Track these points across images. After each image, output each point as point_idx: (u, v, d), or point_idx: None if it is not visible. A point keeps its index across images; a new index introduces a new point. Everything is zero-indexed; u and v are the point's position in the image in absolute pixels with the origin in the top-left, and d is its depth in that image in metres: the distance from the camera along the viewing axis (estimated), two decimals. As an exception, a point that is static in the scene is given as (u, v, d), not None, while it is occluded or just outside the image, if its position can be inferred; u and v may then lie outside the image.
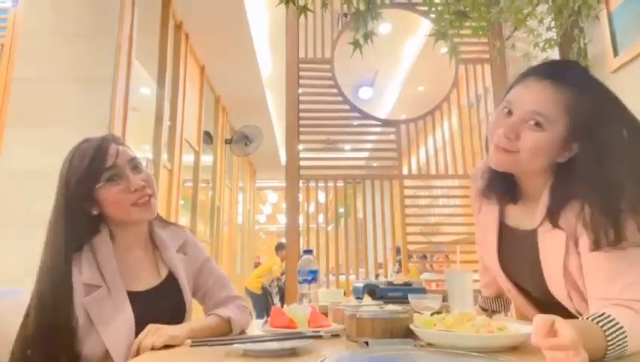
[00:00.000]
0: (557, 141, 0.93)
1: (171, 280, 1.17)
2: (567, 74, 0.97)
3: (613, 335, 0.74)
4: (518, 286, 1.13)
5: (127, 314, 1.04)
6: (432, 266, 4.42)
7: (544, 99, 0.93)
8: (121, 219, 1.13)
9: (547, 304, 1.05)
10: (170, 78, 3.91)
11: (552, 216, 0.96)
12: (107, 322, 1.02)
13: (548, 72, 0.97)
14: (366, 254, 3.00)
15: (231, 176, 6.72)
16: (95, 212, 1.11)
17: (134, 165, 1.13)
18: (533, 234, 1.02)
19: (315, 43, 3.03)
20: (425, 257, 3.81)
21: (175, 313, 1.15)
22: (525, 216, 1.06)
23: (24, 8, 2.88)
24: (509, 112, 0.97)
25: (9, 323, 1.09)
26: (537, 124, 0.92)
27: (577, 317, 0.90)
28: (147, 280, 1.15)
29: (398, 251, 3.23)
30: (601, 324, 0.75)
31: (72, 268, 1.05)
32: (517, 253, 1.08)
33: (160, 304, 1.12)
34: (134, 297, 1.08)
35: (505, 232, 1.11)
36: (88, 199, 1.09)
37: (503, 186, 1.08)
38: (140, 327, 1.02)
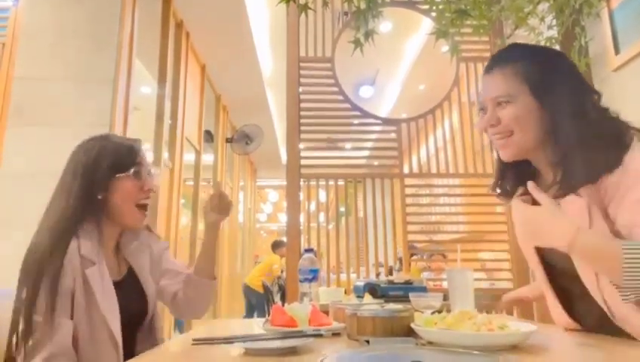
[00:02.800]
0: (530, 107, 1.02)
1: (132, 274, 1.25)
2: (507, 54, 1.10)
3: (633, 256, 0.80)
4: (553, 269, 1.11)
5: (113, 291, 1.13)
6: (429, 266, 4.42)
7: (496, 82, 1.06)
8: (119, 213, 1.20)
9: (577, 294, 1.04)
10: (170, 77, 3.90)
11: (564, 184, 0.97)
12: (104, 296, 1.10)
13: (492, 62, 1.10)
14: (366, 253, 3.00)
15: (232, 174, 6.72)
16: (100, 196, 1.18)
17: (150, 171, 1.26)
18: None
19: (315, 41, 3.03)
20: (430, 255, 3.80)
21: (137, 303, 1.22)
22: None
23: (25, 7, 2.88)
24: (483, 110, 1.08)
25: (8, 323, 1.09)
26: (507, 102, 1.03)
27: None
28: (111, 275, 1.20)
29: (400, 261, 3.22)
30: (624, 245, 0.82)
31: (72, 242, 1.12)
32: None
33: (126, 296, 1.18)
34: None
35: None
36: (104, 183, 1.18)
37: (520, 178, 1.12)
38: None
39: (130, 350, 1.18)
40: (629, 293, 0.85)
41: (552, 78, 1.02)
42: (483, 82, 1.10)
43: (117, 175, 1.19)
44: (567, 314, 1.08)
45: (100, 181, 1.18)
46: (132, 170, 1.21)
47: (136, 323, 1.22)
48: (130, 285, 1.23)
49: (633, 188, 0.88)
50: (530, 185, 0.96)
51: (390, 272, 3.63)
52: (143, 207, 1.24)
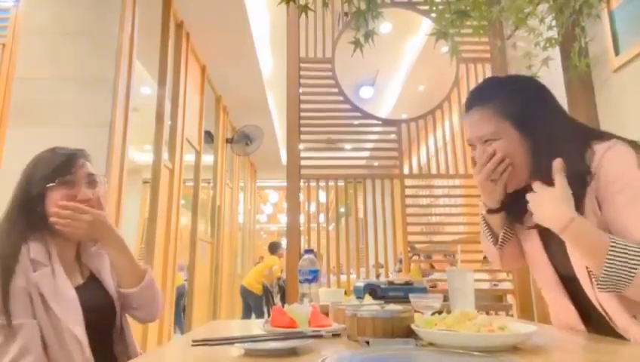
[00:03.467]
0: (515, 139, 1.08)
1: (94, 279, 1.25)
2: (482, 94, 1.17)
3: (618, 251, 0.87)
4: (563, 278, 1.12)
5: (72, 294, 1.12)
6: (433, 266, 4.42)
7: (478, 123, 1.12)
8: (56, 227, 1.17)
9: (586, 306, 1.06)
10: (171, 78, 3.91)
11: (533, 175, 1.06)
12: (57, 299, 1.09)
13: (470, 102, 1.17)
14: (367, 254, 2.99)
15: (232, 175, 6.72)
16: (39, 209, 1.18)
17: (91, 180, 1.23)
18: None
19: (315, 42, 3.03)
20: (430, 257, 3.79)
21: (107, 304, 1.22)
22: None
23: (25, 8, 2.88)
24: (472, 146, 1.16)
25: None
26: (488, 140, 1.10)
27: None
28: (72, 280, 1.19)
29: (400, 261, 3.22)
30: (612, 240, 0.89)
31: (22, 248, 1.12)
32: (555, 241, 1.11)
33: (92, 297, 1.18)
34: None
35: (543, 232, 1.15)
36: (39, 195, 1.18)
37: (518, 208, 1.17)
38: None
39: (108, 350, 1.21)
40: (605, 284, 0.90)
41: (528, 107, 1.10)
42: (465, 121, 1.17)
43: (47, 185, 1.18)
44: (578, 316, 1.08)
45: (35, 193, 1.18)
46: (64, 179, 1.18)
47: (109, 324, 1.23)
48: (94, 287, 1.23)
49: (617, 189, 0.96)
50: (557, 162, 0.99)
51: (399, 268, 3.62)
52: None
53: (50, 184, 1.17)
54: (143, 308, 1.26)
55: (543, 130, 1.07)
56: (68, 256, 1.23)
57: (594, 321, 1.05)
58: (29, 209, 1.17)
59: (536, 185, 1.03)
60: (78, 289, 1.17)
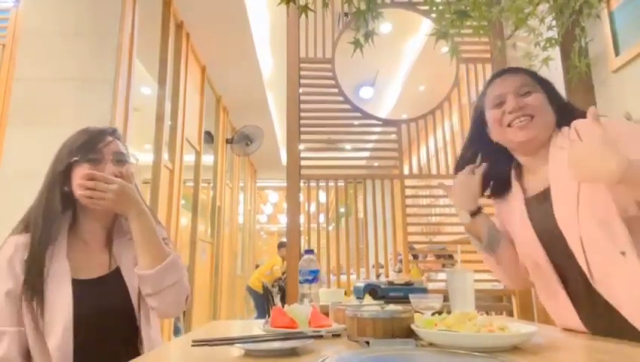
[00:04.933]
0: (545, 101, 1.17)
1: (118, 274, 1.18)
2: (514, 69, 1.26)
3: None
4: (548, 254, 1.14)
5: (65, 302, 1.06)
6: (443, 266, 4.39)
7: (520, 77, 1.20)
8: (81, 201, 1.15)
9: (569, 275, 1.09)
10: (171, 78, 3.91)
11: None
12: (46, 306, 1.05)
13: (507, 70, 1.26)
14: (367, 254, 2.99)
15: (232, 175, 6.72)
16: (66, 188, 1.15)
17: (118, 159, 1.19)
18: (547, 191, 1.13)
19: (315, 43, 3.03)
20: (440, 257, 3.76)
21: (120, 303, 1.15)
22: (539, 180, 1.17)
23: (25, 8, 2.88)
24: (501, 103, 1.19)
25: None
26: (528, 92, 1.17)
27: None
28: (95, 269, 1.16)
29: (400, 261, 3.21)
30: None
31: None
32: (537, 218, 1.16)
33: (104, 293, 1.13)
34: (78, 285, 1.10)
35: (530, 205, 1.19)
36: (65, 174, 1.15)
37: (502, 174, 1.27)
38: (81, 318, 1.05)
39: (134, 347, 1.14)
40: None
41: (553, 88, 1.22)
42: (497, 83, 1.22)
43: (72, 160, 1.15)
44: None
45: (60, 170, 1.15)
46: (88, 156, 1.15)
47: (123, 326, 1.14)
48: (115, 282, 1.16)
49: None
50: (593, 109, 0.96)
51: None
52: None
53: (74, 159, 1.14)
54: (160, 296, 1.12)
55: (563, 101, 1.21)
56: (97, 239, 1.19)
57: (585, 303, 1.06)
58: (57, 187, 1.15)
59: (569, 138, 1.07)
60: (97, 280, 1.14)
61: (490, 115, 1.21)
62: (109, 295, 1.14)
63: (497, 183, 1.29)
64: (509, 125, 1.16)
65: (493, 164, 1.27)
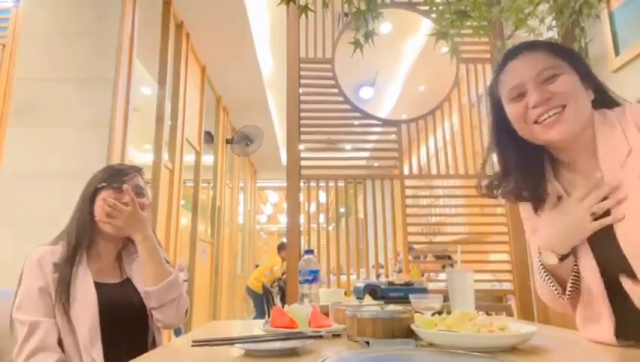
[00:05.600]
0: (576, 80, 0.96)
1: (129, 282, 1.36)
2: (531, 44, 1.02)
3: None
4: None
5: (91, 297, 1.22)
6: (443, 267, 4.40)
7: (540, 57, 0.98)
8: (99, 225, 1.32)
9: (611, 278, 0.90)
10: (171, 78, 3.91)
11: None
12: (74, 301, 1.21)
13: (518, 49, 1.02)
14: (367, 254, 2.99)
15: (232, 175, 6.72)
16: (89, 209, 1.33)
17: (138, 191, 1.37)
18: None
19: (315, 43, 3.03)
20: (442, 257, 3.75)
21: (137, 303, 1.31)
22: (584, 178, 0.97)
23: (25, 8, 2.88)
24: (520, 95, 0.98)
25: (6, 322, 1.18)
26: (553, 75, 0.95)
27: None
28: (110, 277, 1.34)
29: (399, 261, 3.21)
30: None
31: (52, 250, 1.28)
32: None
33: (123, 296, 1.31)
34: (100, 286, 1.27)
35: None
36: (91, 198, 1.34)
37: (536, 179, 1.03)
38: (104, 311, 1.21)
39: (144, 338, 1.31)
40: None
41: (579, 58, 1.01)
42: (512, 68, 1.01)
43: (98, 186, 1.34)
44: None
45: (88, 195, 1.34)
46: (113, 184, 1.33)
47: (140, 321, 1.31)
48: (129, 287, 1.34)
49: None
50: None
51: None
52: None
53: (102, 184, 1.34)
54: (163, 309, 1.31)
55: (593, 81, 0.99)
56: (109, 256, 1.37)
57: (634, 327, 0.89)
58: (86, 208, 1.33)
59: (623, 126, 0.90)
60: (113, 285, 1.31)
61: (510, 111, 1.00)
62: (126, 295, 1.32)
63: (534, 193, 1.02)
64: (535, 122, 0.96)
65: (527, 168, 1.03)
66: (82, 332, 1.17)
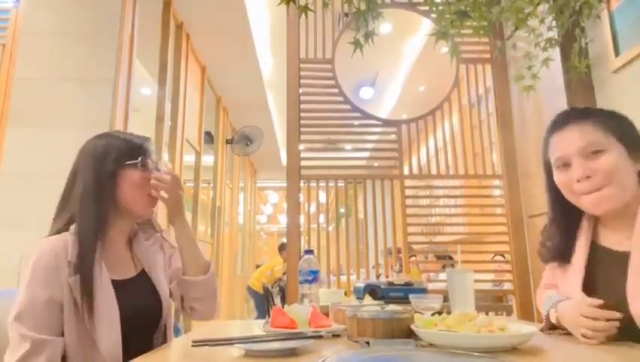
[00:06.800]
0: (623, 156, 0.99)
1: (145, 275, 1.22)
2: (579, 113, 1.07)
3: None
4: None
5: (112, 303, 1.07)
6: (443, 267, 4.40)
7: (581, 133, 1.01)
8: (129, 204, 1.18)
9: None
10: (171, 79, 3.91)
11: None
12: (96, 307, 1.03)
13: (564, 119, 1.07)
14: (367, 254, 2.99)
15: (232, 176, 6.72)
16: (109, 188, 1.15)
17: (157, 167, 1.25)
18: (625, 255, 0.98)
19: (315, 43, 3.03)
20: (444, 258, 3.74)
21: (152, 303, 1.19)
22: (618, 237, 1.04)
23: (25, 8, 2.88)
24: (565, 165, 1.04)
25: (6, 323, 1.08)
26: (597, 152, 0.99)
27: None
28: (124, 270, 1.19)
29: (389, 252, 3.20)
30: None
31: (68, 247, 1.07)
32: (604, 273, 1.04)
33: (138, 293, 1.17)
34: (117, 284, 1.11)
35: (595, 252, 1.07)
36: (112, 175, 1.15)
37: (569, 243, 1.10)
38: (123, 312, 1.07)
39: (156, 340, 1.18)
40: None
41: (629, 129, 1.03)
42: (558, 138, 1.06)
43: (125, 162, 1.17)
44: None
45: (108, 171, 1.15)
46: (143, 160, 1.19)
47: (152, 324, 1.18)
48: (144, 283, 1.20)
49: None
50: None
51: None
52: (154, 198, 1.23)
53: (131, 161, 1.17)
54: (205, 300, 1.23)
55: None
56: (120, 245, 1.22)
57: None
58: (106, 190, 1.14)
59: None
60: (127, 281, 1.16)
61: (557, 178, 1.07)
62: (142, 295, 1.18)
63: (566, 255, 1.11)
64: (580, 194, 1.02)
65: (566, 229, 1.11)
66: (105, 346, 1.01)
